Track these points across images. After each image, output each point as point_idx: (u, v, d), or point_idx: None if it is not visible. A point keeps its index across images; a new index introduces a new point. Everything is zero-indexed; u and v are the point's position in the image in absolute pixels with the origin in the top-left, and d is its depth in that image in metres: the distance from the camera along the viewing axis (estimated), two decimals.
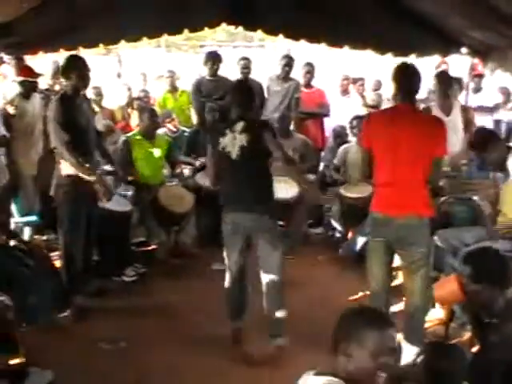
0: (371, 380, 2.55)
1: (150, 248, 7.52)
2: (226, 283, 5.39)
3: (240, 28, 7.79)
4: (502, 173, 5.72)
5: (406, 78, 4.92)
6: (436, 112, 7.00)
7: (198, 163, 8.15)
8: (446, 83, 7.08)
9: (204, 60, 8.85)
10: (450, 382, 3.47)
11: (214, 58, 8.79)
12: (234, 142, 5.06)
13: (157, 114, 8.04)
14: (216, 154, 5.23)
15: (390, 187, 4.79)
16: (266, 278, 5.26)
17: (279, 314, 5.22)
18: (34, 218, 7.21)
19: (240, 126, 5.08)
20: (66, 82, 5.90)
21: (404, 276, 5.06)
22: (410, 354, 4.84)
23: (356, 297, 6.28)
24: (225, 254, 5.36)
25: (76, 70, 5.78)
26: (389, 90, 10.68)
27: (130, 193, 7.34)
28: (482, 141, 5.59)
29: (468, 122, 7.09)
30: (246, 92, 5.48)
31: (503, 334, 3.39)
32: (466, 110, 7.19)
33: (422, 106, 9.04)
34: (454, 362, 3.37)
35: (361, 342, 2.53)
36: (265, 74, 9.70)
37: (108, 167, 6.70)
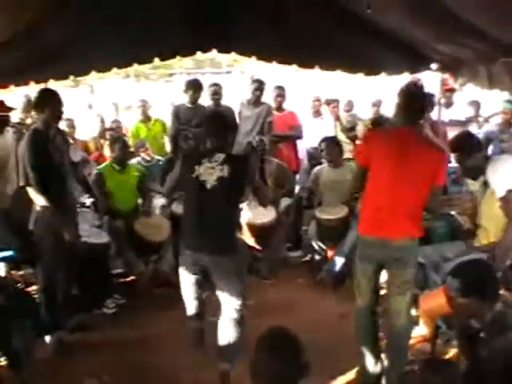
0: None
1: (129, 279, 7.48)
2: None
3: (207, 55, 7.80)
4: (476, 183, 5.70)
5: (411, 99, 4.85)
6: None
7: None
8: None
9: (185, 88, 8.85)
10: None
11: (195, 86, 8.79)
12: (211, 171, 5.00)
13: (127, 143, 8.05)
14: (184, 176, 5.21)
15: (386, 209, 4.75)
16: (225, 308, 5.21)
17: (231, 342, 5.21)
18: (9, 253, 7.11)
19: (220, 157, 5.04)
20: (39, 116, 5.85)
21: (391, 297, 4.93)
22: (394, 374, 4.89)
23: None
24: (180, 272, 5.31)
25: (49, 104, 5.73)
26: (361, 109, 10.81)
27: (105, 224, 7.31)
28: (463, 144, 5.54)
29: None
30: (222, 123, 5.45)
31: (492, 347, 3.38)
32: (432, 125, 7.24)
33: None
34: (448, 378, 3.35)
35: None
36: (233, 99, 9.73)
37: (87, 199, 6.65)
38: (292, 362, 2.94)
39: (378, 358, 5.07)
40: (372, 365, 5.05)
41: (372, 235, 4.87)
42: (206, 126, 5.50)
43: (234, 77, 24.58)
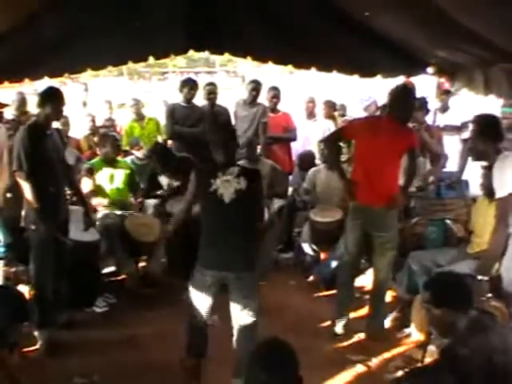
0: None
1: (119, 278, 7.46)
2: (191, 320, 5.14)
3: (200, 54, 7.78)
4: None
5: (399, 100, 5.80)
6: None
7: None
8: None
9: (180, 86, 8.91)
10: None
11: (191, 85, 8.84)
12: (227, 184, 4.86)
13: (118, 139, 8.02)
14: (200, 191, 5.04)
15: (366, 182, 5.77)
16: (240, 322, 5.00)
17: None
18: (1, 249, 7.06)
19: (235, 169, 4.93)
20: (40, 112, 5.87)
21: (375, 256, 6.06)
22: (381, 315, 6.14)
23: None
24: (192, 292, 5.04)
25: (51, 100, 5.78)
26: (354, 111, 10.71)
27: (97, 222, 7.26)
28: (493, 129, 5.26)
29: (421, 143, 7.10)
30: (230, 135, 5.38)
31: (473, 347, 3.37)
32: (427, 128, 7.22)
33: None
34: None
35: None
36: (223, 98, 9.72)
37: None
38: (291, 376, 2.89)
39: (348, 306, 6.23)
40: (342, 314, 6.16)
41: (358, 201, 5.95)
42: (214, 137, 5.32)
43: (222, 76, 24.62)
